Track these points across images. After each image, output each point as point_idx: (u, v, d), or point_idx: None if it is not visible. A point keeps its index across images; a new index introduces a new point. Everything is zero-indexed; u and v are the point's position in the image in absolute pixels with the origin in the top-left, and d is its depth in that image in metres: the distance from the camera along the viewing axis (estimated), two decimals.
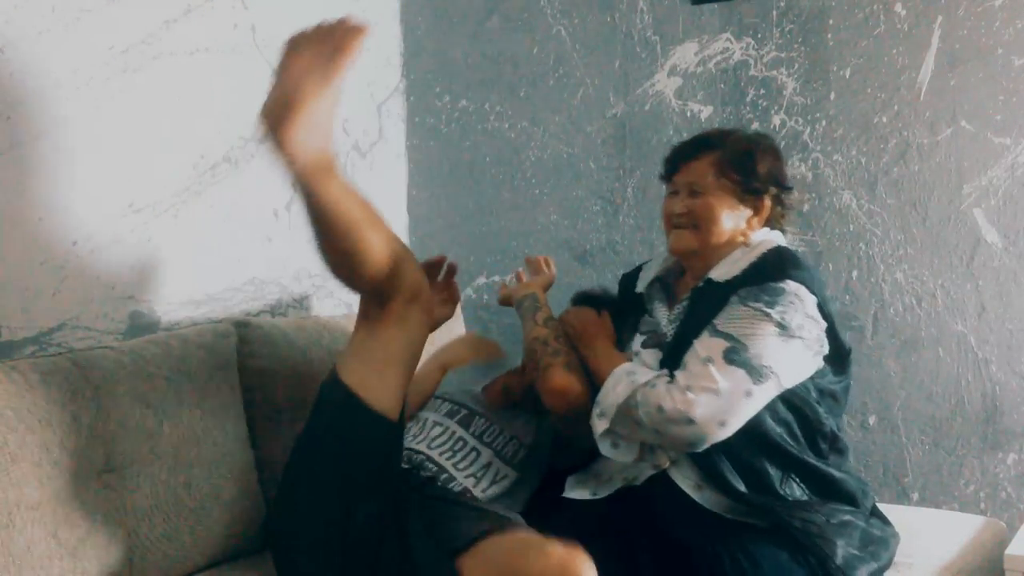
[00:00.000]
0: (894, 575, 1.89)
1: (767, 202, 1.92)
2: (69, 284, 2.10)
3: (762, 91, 2.51)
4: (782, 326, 1.76)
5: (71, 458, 1.80)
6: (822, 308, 1.82)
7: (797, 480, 1.82)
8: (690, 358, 1.77)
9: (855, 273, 2.44)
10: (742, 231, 1.91)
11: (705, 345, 1.77)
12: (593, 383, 1.92)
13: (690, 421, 1.71)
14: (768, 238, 1.93)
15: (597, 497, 1.89)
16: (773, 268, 1.82)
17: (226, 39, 2.43)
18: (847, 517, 1.81)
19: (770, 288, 1.78)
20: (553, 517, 1.90)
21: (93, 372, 1.88)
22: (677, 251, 1.96)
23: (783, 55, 2.48)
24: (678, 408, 1.72)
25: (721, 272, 1.88)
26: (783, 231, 1.99)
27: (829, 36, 2.43)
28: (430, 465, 2.01)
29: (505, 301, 2.23)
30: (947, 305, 2.35)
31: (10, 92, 2.00)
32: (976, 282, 2.32)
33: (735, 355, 1.74)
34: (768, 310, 1.76)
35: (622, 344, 2.03)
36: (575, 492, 1.93)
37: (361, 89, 2.83)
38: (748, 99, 2.53)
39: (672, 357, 1.84)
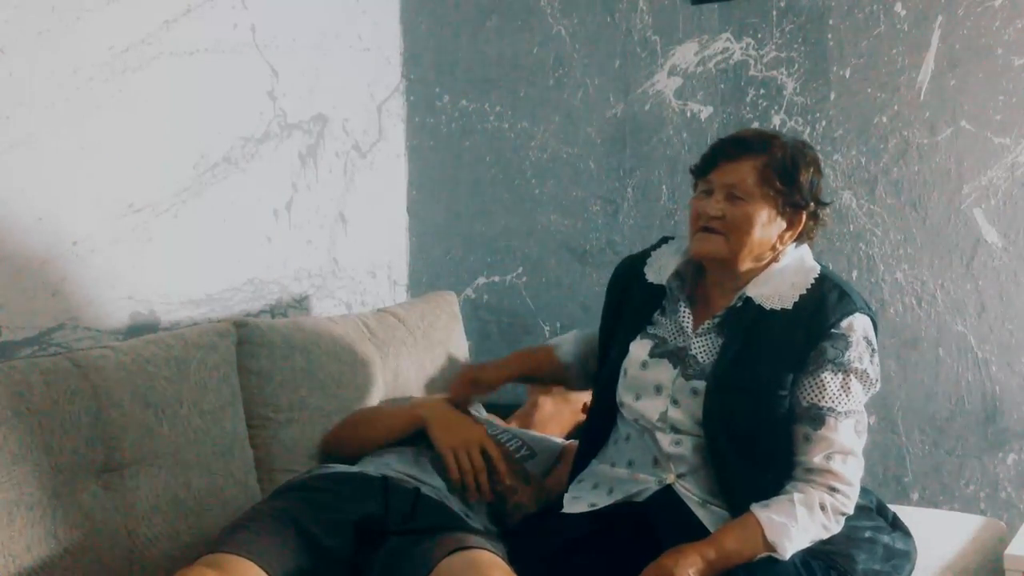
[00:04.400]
0: None
1: (804, 217, 1.82)
2: (69, 284, 2.10)
3: (762, 91, 2.51)
4: (873, 375, 1.79)
5: (71, 458, 1.80)
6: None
7: None
8: (840, 457, 1.73)
9: (855, 273, 2.43)
10: (773, 245, 1.82)
11: (841, 435, 1.73)
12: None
13: (854, 504, 1.76)
14: (804, 258, 1.86)
15: (596, 508, 1.84)
16: (836, 306, 1.77)
17: (226, 39, 2.43)
18: (869, 533, 1.80)
19: (853, 342, 1.76)
20: (550, 528, 1.89)
21: (93, 372, 1.88)
22: (702, 256, 1.84)
23: (783, 55, 2.48)
24: (853, 503, 1.75)
25: (763, 294, 1.81)
26: (808, 246, 1.90)
27: (829, 36, 2.43)
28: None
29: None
30: (947, 305, 2.35)
31: (10, 92, 2.00)
32: (976, 282, 2.32)
33: (859, 426, 1.77)
34: (862, 365, 1.77)
35: (617, 338, 1.93)
36: (574, 507, 1.87)
37: (361, 89, 2.84)
38: (748, 99, 2.53)
39: (718, 393, 1.77)
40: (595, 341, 2.05)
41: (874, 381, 1.79)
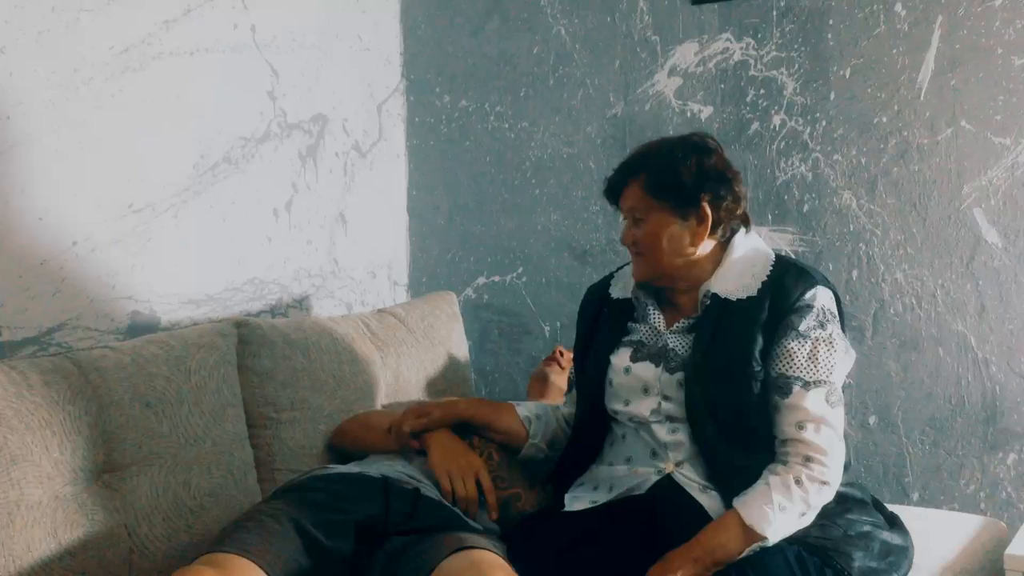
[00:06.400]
0: None
1: (706, 207, 1.84)
2: (69, 284, 2.10)
3: (762, 91, 2.51)
4: (840, 344, 1.81)
5: (71, 458, 1.80)
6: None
7: None
8: (811, 425, 1.75)
9: (855, 273, 2.44)
10: (691, 243, 1.86)
11: (810, 403, 1.75)
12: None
13: (838, 474, 1.77)
14: (758, 247, 1.91)
15: (597, 504, 1.86)
16: (796, 283, 1.82)
17: (226, 39, 2.43)
18: (867, 528, 1.81)
19: (816, 311, 1.80)
20: (553, 525, 1.89)
21: (93, 372, 1.88)
22: (638, 279, 1.93)
23: (783, 55, 2.48)
24: (834, 472, 1.75)
25: (727, 288, 1.85)
26: (746, 229, 1.92)
27: (829, 36, 2.43)
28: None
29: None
30: (947, 305, 2.35)
31: (10, 92, 2.00)
32: (976, 282, 2.32)
33: (832, 396, 1.78)
34: (826, 332, 1.79)
35: (593, 352, 1.97)
36: (575, 505, 1.89)
37: (361, 89, 2.84)
38: (748, 99, 2.53)
39: (696, 383, 1.81)
40: (557, 412, 2.10)
41: (844, 350, 1.82)
